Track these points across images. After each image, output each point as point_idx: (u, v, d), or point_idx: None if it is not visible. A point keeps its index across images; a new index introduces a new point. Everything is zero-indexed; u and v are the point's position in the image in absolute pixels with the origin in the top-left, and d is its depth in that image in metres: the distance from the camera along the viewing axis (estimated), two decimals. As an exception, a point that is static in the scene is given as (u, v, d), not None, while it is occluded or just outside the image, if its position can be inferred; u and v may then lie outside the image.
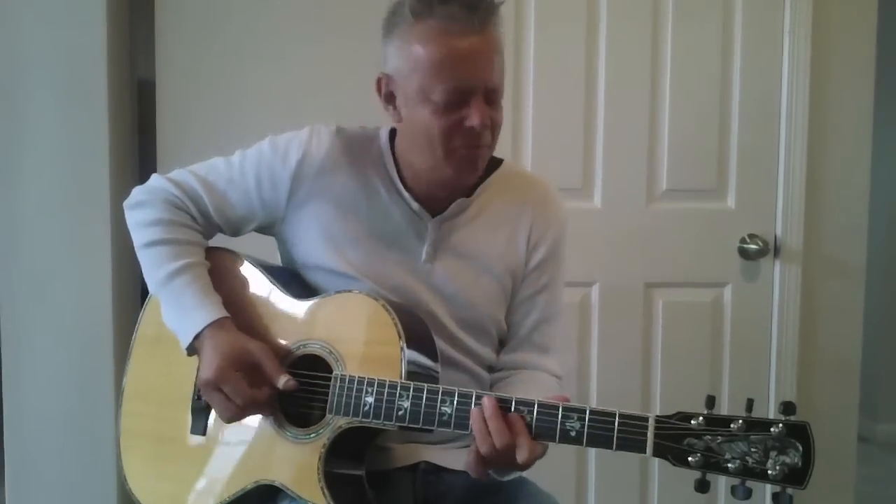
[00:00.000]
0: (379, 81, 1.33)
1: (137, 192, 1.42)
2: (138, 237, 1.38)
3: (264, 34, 2.25)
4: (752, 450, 1.01)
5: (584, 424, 1.10)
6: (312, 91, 2.25)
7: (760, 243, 2.35)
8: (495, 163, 1.43)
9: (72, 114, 2.15)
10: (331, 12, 2.26)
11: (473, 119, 1.24)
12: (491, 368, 1.44)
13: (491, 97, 1.27)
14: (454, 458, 1.36)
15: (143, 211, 1.39)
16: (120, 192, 2.20)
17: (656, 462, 2.39)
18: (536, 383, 1.39)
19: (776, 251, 2.37)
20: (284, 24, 2.25)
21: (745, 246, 2.36)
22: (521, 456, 1.14)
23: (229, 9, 2.24)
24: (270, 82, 2.25)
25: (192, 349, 1.30)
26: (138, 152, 2.43)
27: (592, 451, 2.37)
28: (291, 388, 1.25)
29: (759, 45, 2.34)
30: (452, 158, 1.29)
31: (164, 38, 2.23)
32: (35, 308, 2.18)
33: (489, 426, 1.14)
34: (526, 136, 2.30)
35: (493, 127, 1.29)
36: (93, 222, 2.16)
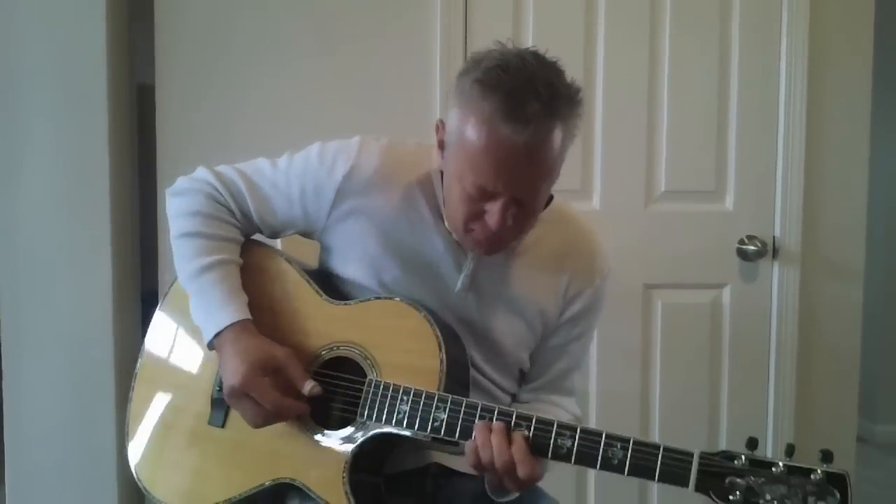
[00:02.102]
0: (437, 125, 1.29)
1: (181, 181, 1.42)
2: (175, 226, 1.37)
3: (264, 38, 2.26)
4: (792, 493, 1.03)
5: (627, 454, 1.11)
6: (312, 96, 2.26)
7: (759, 244, 2.35)
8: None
9: (72, 118, 2.15)
10: (331, 18, 2.27)
11: (491, 219, 1.21)
12: (511, 396, 1.43)
13: (523, 201, 1.22)
14: (464, 461, 1.35)
15: (183, 200, 1.38)
16: (120, 196, 2.22)
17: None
18: (556, 417, 1.38)
19: (775, 252, 2.38)
20: (284, 29, 2.26)
21: (744, 247, 2.37)
22: (522, 471, 1.13)
23: (229, 13, 2.25)
24: (270, 86, 2.26)
25: (212, 347, 1.29)
26: (138, 156, 2.44)
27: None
28: (317, 394, 1.25)
29: (756, 46, 2.35)
30: (469, 237, 1.27)
31: (164, 43, 2.24)
32: (36, 311, 2.18)
33: (492, 441, 1.14)
34: (525, 139, 2.30)
35: (523, 220, 1.25)
36: (93, 226, 2.17)
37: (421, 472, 1.34)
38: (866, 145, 2.41)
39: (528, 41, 2.28)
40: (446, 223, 1.32)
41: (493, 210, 1.20)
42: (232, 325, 1.27)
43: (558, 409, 1.41)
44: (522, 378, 1.44)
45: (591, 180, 2.35)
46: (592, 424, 2.36)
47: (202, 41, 2.25)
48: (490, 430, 1.14)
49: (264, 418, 1.25)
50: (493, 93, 1.15)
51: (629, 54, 2.33)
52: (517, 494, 1.23)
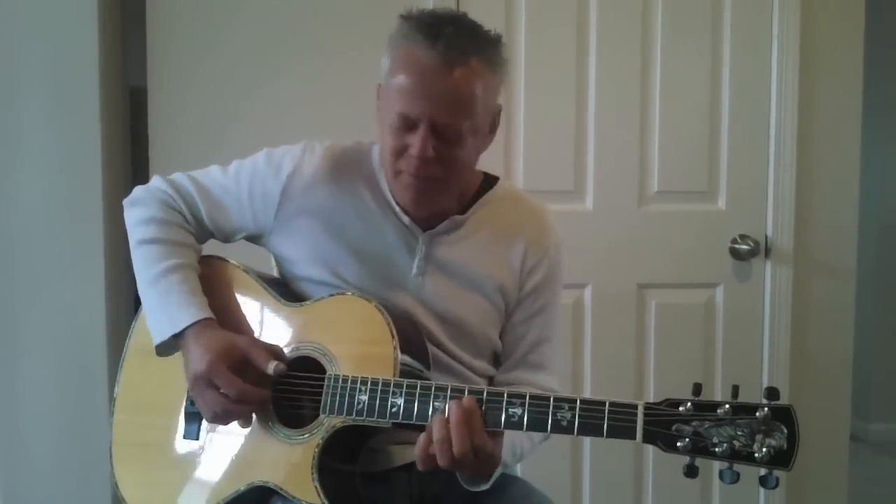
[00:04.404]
0: (377, 90, 1.35)
1: (136, 190, 1.45)
2: (133, 235, 1.40)
3: (256, 41, 2.26)
4: (739, 433, 1.03)
5: (574, 414, 1.11)
6: (303, 98, 2.26)
7: (751, 244, 2.36)
8: (491, 181, 1.44)
9: (65, 121, 2.15)
10: (323, 22, 2.27)
11: (413, 148, 1.26)
12: (488, 379, 1.44)
13: (443, 132, 1.26)
14: None
15: (138, 209, 1.41)
16: (113, 199, 2.21)
17: (650, 461, 2.40)
18: None
19: (767, 251, 2.39)
20: (276, 33, 2.26)
21: (737, 246, 2.37)
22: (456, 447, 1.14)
23: (221, 17, 2.25)
24: (261, 89, 2.26)
25: (164, 347, 1.30)
26: (131, 159, 2.43)
27: (587, 452, 2.38)
28: (281, 372, 1.26)
29: (748, 47, 2.36)
30: (399, 181, 1.31)
31: (156, 46, 2.24)
32: (28, 316, 2.18)
33: (451, 427, 1.14)
34: (518, 139, 2.31)
35: (447, 161, 1.28)
36: (86, 230, 2.16)
37: (406, 469, 1.35)
38: (857, 145, 2.42)
39: (521, 41, 2.30)
40: (386, 184, 1.36)
41: (415, 140, 1.25)
42: (194, 323, 1.28)
43: (531, 389, 1.41)
44: (497, 362, 1.45)
45: (584, 181, 2.35)
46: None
47: (194, 44, 2.25)
48: (446, 424, 1.14)
49: (227, 408, 1.25)
50: (414, 23, 1.26)
51: (622, 54, 2.33)
52: (488, 485, 1.24)
